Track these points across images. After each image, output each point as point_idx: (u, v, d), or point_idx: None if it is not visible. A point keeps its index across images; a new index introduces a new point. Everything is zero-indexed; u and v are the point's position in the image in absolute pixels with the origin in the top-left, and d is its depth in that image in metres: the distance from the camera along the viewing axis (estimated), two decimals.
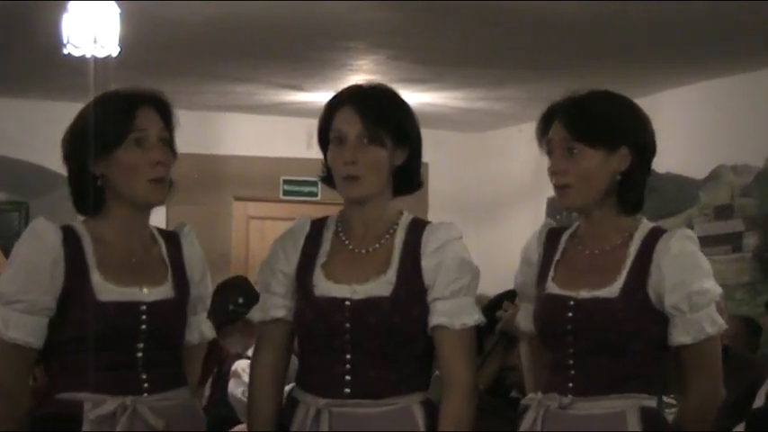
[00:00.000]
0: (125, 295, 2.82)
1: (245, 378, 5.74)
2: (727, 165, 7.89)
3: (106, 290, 2.81)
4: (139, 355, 2.83)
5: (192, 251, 2.98)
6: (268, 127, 9.70)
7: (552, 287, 2.88)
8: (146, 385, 2.83)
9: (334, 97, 2.95)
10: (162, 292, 2.88)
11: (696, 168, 8.09)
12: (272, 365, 2.96)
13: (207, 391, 5.66)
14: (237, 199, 9.88)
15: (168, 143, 2.90)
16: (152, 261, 2.92)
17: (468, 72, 8.01)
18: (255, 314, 2.98)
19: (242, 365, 5.79)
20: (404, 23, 6.75)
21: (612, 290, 2.80)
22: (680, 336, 2.79)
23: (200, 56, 7.60)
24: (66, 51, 6.33)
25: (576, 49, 7.28)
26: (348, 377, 2.83)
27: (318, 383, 2.87)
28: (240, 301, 6.01)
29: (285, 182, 9.97)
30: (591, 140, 2.83)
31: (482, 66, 7.82)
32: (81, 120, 2.92)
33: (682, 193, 8.14)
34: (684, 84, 8.15)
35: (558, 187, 2.87)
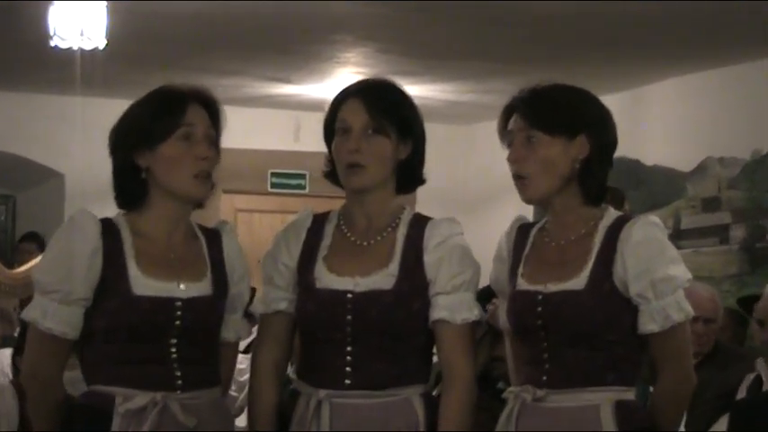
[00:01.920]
0: (161, 290, 2.83)
1: None
2: (715, 157, 7.90)
3: (142, 284, 2.83)
4: (173, 350, 2.83)
5: (232, 249, 3.00)
6: (256, 120, 9.67)
7: (521, 283, 2.90)
8: (179, 382, 2.83)
9: (341, 91, 2.99)
10: (199, 288, 2.88)
11: (683, 161, 8.09)
12: (273, 358, 2.98)
13: None
14: (225, 192, 9.85)
15: (213, 142, 2.92)
16: (192, 257, 2.93)
17: (457, 65, 8.01)
18: (257, 307, 3.01)
19: None
20: (392, 16, 6.74)
21: (579, 281, 2.81)
22: (647, 324, 2.79)
23: (188, 49, 7.58)
24: (52, 44, 6.32)
25: (565, 42, 7.28)
26: (349, 369, 2.86)
27: (319, 375, 2.89)
28: None
29: (273, 174, 9.95)
30: (548, 128, 2.85)
31: (471, 58, 7.82)
32: (130, 113, 2.93)
33: (669, 185, 8.14)
34: (671, 76, 8.15)
35: (517, 178, 2.89)
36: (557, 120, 2.85)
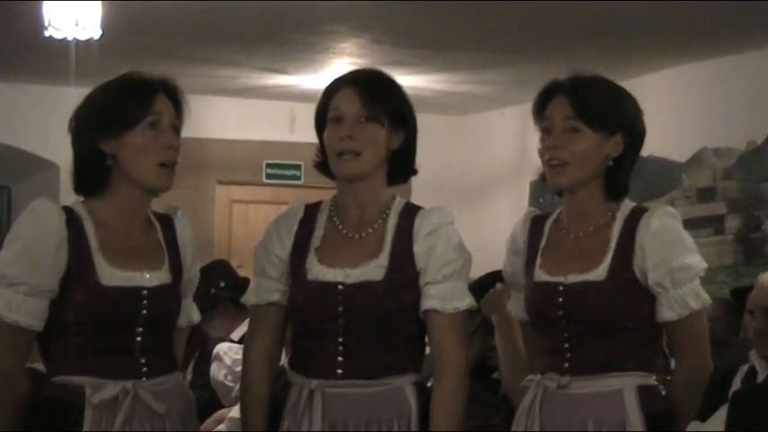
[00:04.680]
0: (127, 280, 2.82)
1: (228, 361, 5.76)
2: (710, 147, 7.91)
3: (109, 274, 2.81)
4: (138, 339, 2.83)
5: (185, 235, 2.99)
6: (251, 110, 9.68)
7: (540, 274, 2.90)
8: (144, 369, 2.83)
9: (333, 81, 2.97)
10: (161, 276, 2.88)
11: (679, 151, 8.10)
12: (266, 349, 2.96)
13: (189, 375, 5.66)
14: (220, 183, 9.87)
15: (177, 132, 2.91)
16: (150, 245, 2.92)
17: (451, 55, 8.01)
18: (250, 297, 3.00)
19: (223, 348, 5.79)
20: (387, 7, 6.74)
21: (599, 272, 2.82)
22: (665, 312, 2.81)
23: (183, 39, 7.58)
24: (47, 34, 6.31)
25: (559, 33, 7.28)
26: (341, 359, 2.85)
27: (311, 365, 2.88)
28: (222, 284, 6.00)
29: (268, 165, 9.96)
30: (594, 122, 2.85)
31: (465, 49, 7.82)
32: (95, 98, 2.91)
33: (664, 175, 8.16)
34: (667, 67, 8.16)
35: (551, 164, 2.87)
36: (604, 116, 2.86)
